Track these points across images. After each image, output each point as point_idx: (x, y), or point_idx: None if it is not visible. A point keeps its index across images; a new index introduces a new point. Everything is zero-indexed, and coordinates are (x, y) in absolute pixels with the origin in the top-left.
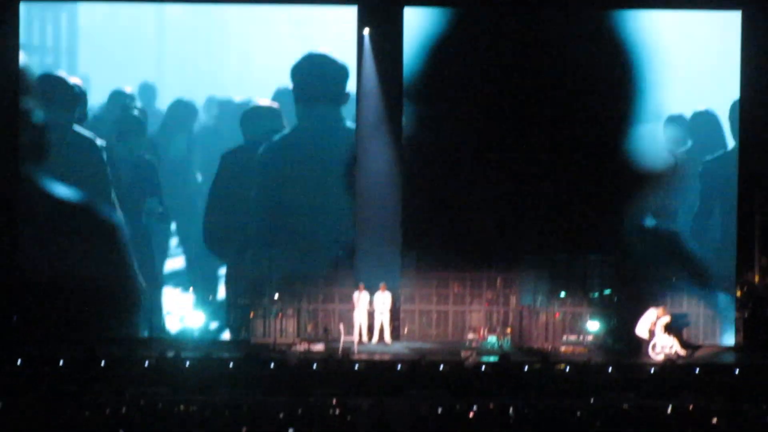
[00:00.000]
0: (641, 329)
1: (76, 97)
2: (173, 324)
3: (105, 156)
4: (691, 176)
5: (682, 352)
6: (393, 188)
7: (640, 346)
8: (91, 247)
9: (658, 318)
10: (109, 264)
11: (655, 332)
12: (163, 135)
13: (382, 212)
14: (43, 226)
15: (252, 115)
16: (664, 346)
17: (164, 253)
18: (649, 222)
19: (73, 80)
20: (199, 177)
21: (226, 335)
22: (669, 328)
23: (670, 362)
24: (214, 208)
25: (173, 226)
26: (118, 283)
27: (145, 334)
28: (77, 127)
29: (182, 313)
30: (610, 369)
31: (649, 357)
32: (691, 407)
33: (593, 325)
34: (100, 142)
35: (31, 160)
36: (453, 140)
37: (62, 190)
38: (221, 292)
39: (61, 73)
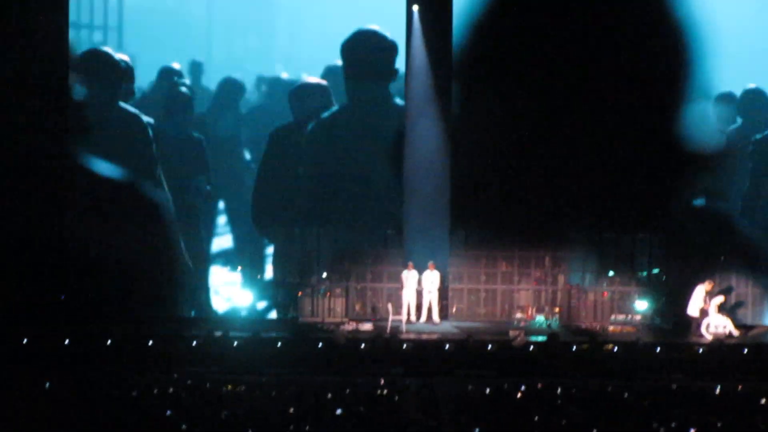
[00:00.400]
0: (692, 308)
1: (122, 72)
2: (221, 303)
3: (151, 133)
4: (742, 155)
5: (735, 332)
6: (441, 167)
7: (689, 325)
8: (135, 226)
9: (706, 293)
10: (154, 243)
11: (709, 311)
12: (212, 113)
13: (430, 191)
14: (87, 204)
15: (301, 92)
16: (717, 326)
17: (212, 232)
18: (700, 201)
19: (119, 56)
20: (248, 155)
21: (273, 314)
22: (722, 308)
23: (719, 342)
24: (263, 186)
25: (221, 205)
26: (163, 262)
27: (192, 313)
28: (123, 104)
29: (230, 292)
30: (658, 349)
31: (701, 336)
32: (739, 387)
33: (642, 305)
34: (146, 119)
35: (75, 136)
36: (501, 119)
37: (105, 168)
38: (269, 272)
39: (107, 49)
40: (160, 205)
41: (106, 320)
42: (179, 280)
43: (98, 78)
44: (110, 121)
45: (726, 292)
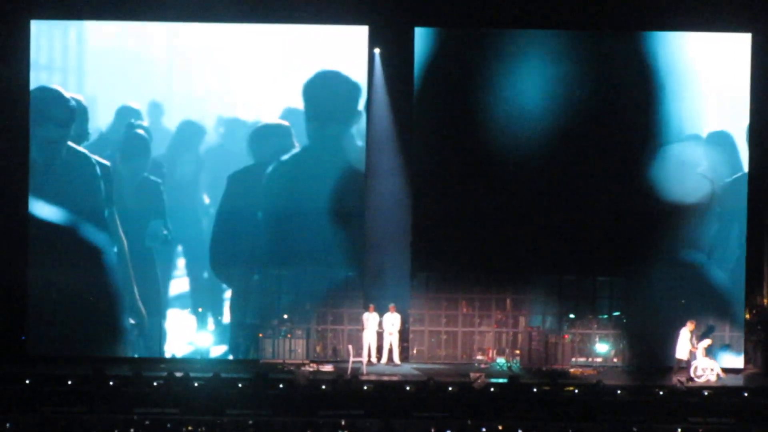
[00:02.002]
0: (681, 351)
1: (72, 111)
2: (179, 347)
3: (100, 173)
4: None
5: (723, 375)
6: (403, 210)
7: (649, 368)
8: (76, 269)
9: (691, 333)
10: (97, 286)
11: (697, 355)
12: (171, 156)
13: (391, 233)
14: (34, 245)
15: (262, 133)
16: (705, 369)
17: (169, 275)
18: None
19: (72, 95)
20: (207, 199)
21: (232, 356)
22: (710, 351)
23: (681, 384)
24: (221, 229)
25: (179, 249)
26: (106, 306)
27: (146, 356)
28: (72, 144)
29: (190, 334)
30: (619, 391)
31: (690, 379)
32: (699, 431)
33: (602, 347)
34: (101, 161)
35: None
36: (463, 162)
37: (46, 210)
38: (226, 315)
39: (57, 87)
40: (100, 249)
41: (65, 361)
42: (126, 324)
43: (47, 117)
44: (58, 161)
45: (709, 332)
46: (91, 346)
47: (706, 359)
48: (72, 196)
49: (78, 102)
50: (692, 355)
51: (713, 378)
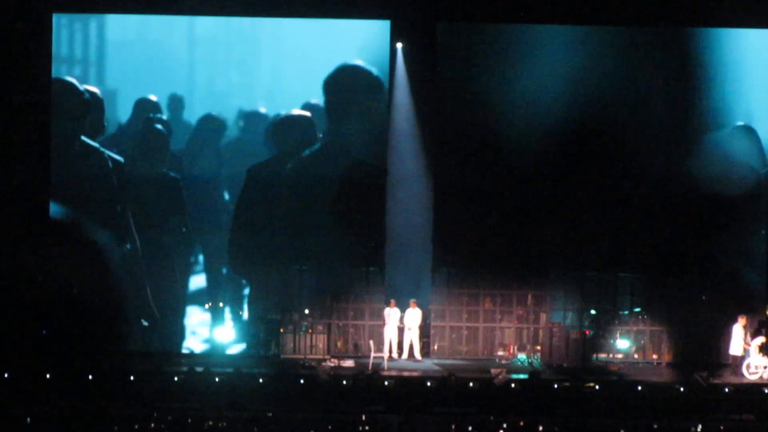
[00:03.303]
0: (735, 347)
1: (86, 104)
2: (198, 343)
3: (111, 166)
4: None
5: None
6: (424, 204)
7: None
8: (79, 267)
9: (743, 328)
10: (99, 284)
11: (750, 352)
12: (190, 151)
13: (413, 228)
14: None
15: (285, 124)
16: (758, 366)
17: (188, 272)
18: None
19: (89, 88)
20: (227, 195)
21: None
22: (764, 348)
23: (705, 382)
24: (240, 224)
25: (198, 245)
26: (113, 303)
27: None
28: (85, 138)
29: (211, 330)
30: (639, 387)
31: (741, 376)
32: (721, 427)
33: (623, 343)
34: (116, 157)
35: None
36: (486, 157)
37: (51, 207)
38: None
39: (71, 79)
40: (101, 247)
41: (84, 355)
42: (134, 323)
43: (59, 109)
44: (69, 155)
45: (762, 327)
46: (104, 342)
47: (759, 356)
48: (79, 190)
49: (94, 94)
50: (746, 352)
51: (767, 375)
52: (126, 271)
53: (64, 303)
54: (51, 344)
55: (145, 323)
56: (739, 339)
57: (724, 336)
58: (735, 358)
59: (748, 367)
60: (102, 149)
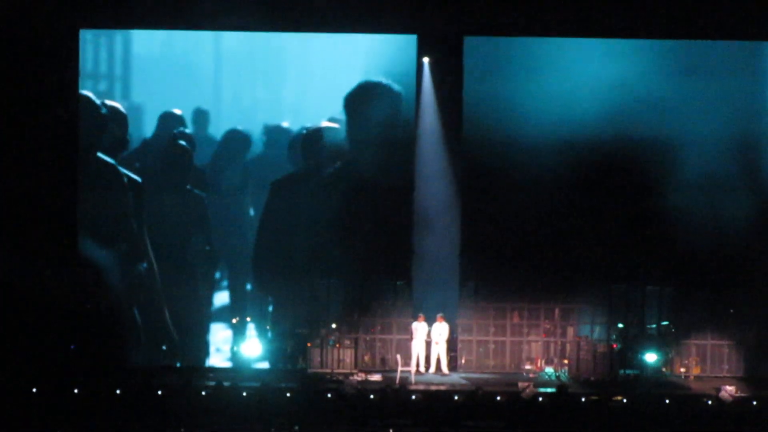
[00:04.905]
0: None
1: (103, 119)
2: (223, 360)
3: (128, 185)
4: None
5: None
6: (451, 218)
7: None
8: (77, 289)
9: None
10: (100, 307)
11: None
12: (215, 165)
13: (440, 242)
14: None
15: (315, 136)
16: None
17: (212, 289)
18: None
19: (111, 103)
20: (252, 211)
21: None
22: None
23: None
24: (264, 238)
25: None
26: (117, 329)
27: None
28: (101, 155)
29: (236, 344)
30: (667, 401)
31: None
32: None
33: (651, 357)
34: (132, 176)
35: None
36: (514, 170)
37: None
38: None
39: (87, 93)
40: (100, 269)
41: (112, 371)
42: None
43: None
44: (86, 172)
45: None
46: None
47: None
48: (92, 207)
49: (114, 109)
50: None
51: None
52: (141, 292)
53: (81, 320)
54: (78, 361)
55: (164, 347)
56: None
57: None
58: None
59: None
60: (118, 166)
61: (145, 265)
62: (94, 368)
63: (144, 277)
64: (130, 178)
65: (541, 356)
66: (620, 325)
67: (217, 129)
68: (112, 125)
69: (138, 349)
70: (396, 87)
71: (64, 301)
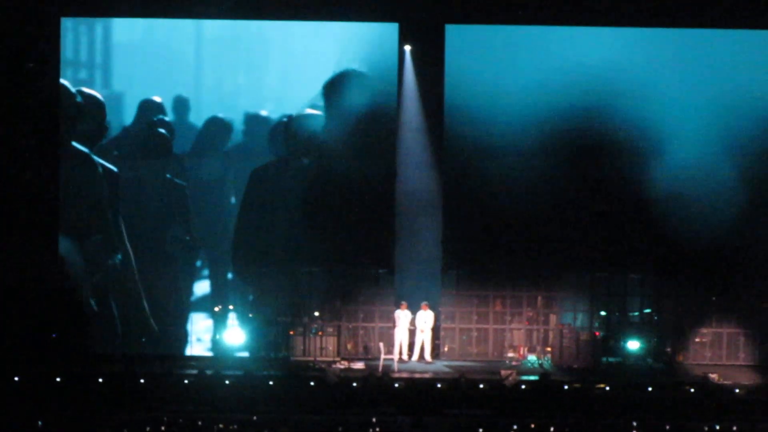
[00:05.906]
0: None
1: (78, 108)
2: (204, 350)
3: (101, 171)
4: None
5: None
6: (433, 206)
7: (680, 365)
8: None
9: None
10: (67, 298)
11: None
12: (196, 153)
13: (422, 230)
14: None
15: (296, 123)
16: None
17: (193, 278)
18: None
19: (88, 91)
20: (233, 199)
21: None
22: None
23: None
24: (244, 227)
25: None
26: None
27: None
28: (76, 144)
29: (217, 333)
30: (650, 389)
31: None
32: (734, 428)
33: (633, 345)
34: (108, 165)
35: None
36: (495, 158)
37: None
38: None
39: (63, 82)
40: (64, 260)
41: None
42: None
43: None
44: (62, 160)
45: None
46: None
47: None
48: (65, 196)
49: (91, 97)
50: None
51: None
52: (117, 283)
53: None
54: (59, 348)
55: (143, 339)
56: None
57: None
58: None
59: None
60: (92, 155)
61: (120, 256)
62: (73, 357)
63: (119, 268)
64: (105, 168)
65: (524, 344)
66: (603, 313)
67: (198, 117)
68: (90, 113)
69: (116, 340)
70: (372, 75)
71: (42, 291)
